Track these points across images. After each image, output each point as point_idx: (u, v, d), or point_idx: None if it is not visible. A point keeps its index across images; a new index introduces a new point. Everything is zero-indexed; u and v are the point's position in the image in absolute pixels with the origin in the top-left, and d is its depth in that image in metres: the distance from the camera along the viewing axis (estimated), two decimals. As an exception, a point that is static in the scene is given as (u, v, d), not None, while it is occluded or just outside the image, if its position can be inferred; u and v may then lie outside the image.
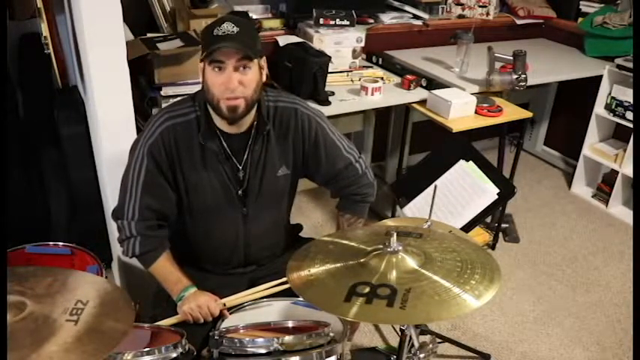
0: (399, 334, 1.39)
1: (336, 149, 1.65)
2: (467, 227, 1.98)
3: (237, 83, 1.40)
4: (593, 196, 3.44)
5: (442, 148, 2.24)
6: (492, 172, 2.04)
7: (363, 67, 2.83)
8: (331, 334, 1.31)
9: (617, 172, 3.21)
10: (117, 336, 1.02)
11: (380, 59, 2.91)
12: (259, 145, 1.55)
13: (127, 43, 1.81)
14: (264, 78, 1.50)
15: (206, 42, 1.41)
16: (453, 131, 2.42)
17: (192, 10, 2.33)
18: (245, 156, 1.55)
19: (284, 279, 1.43)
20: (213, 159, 1.53)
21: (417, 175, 2.26)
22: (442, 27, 3.29)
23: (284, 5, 2.84)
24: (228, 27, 1.37)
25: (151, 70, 2.05)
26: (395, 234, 1.24)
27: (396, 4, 3.19)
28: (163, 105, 2.04)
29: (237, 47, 1.37)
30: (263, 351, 1.23)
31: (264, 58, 1.49)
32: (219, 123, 1.51)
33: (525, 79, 2.59)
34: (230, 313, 1.53)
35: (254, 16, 2.71)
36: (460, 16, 3.39)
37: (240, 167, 1.56)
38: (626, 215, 3.26)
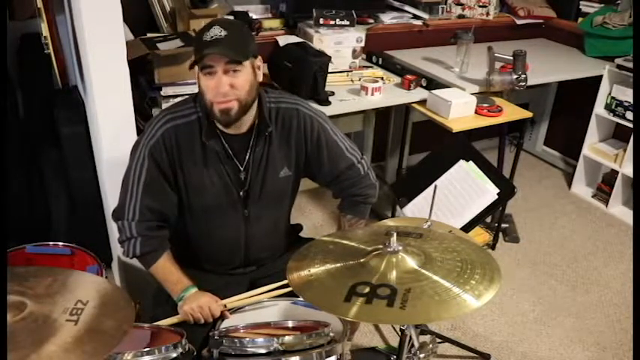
0: (399, 334, 1.39)
1: (338, 150, 1.65)
2: (467, 227, 1.98)
3: (228, 87, 1.40)
4: (593, 196, 3.44)
5: (442, 148, 2.24)
6: (492, 172, 2.04)
7: (363, 67, 2.83)
8: (331, 334, 1.31)
9: (617, 172, 3.21)
10: (117, 336, 1.02)
11: (380, 59, 2.91)
12: (261, 146, 1.55)
13: (127, 43, 1.81)
14: (259, 78, 1.49)
15: (196, 48, 1.41)
16: (453, 131, 2.42)
17: (192, 10, 2.33)
18: (246, 157, 1.55)
19: (285, 281, 1.43)
20: (214, 160, 1.53)
21: (417, 175, 2.26)
22: (442, 27, 3.29)
23: (284, 5, 2.84)
24: (216, 31, 1.37)
25: (150, 70, 2.05)
26: (395, 234, 1.24)
27: (396, 4, 3.19)
28: (163, 105, 2.04)
29: (223, 52, 1.37)
30: (263, 351, 1.23)
31: (260, 57, 1.49)
32: (219, 124, 1.51)
33: (525, 79, 2.58)
34: (230, 314, 1.53)
35: (254, 16, 2.70)
36: (460, 16, 3.39)
37: (242, 169, 1.56)
38: (626, 215, 3.26)
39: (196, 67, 1.43)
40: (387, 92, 2.55)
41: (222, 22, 1.41)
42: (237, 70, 1.40)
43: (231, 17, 2.47)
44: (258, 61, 1.49)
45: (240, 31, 1.44)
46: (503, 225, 2.99)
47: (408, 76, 2.62)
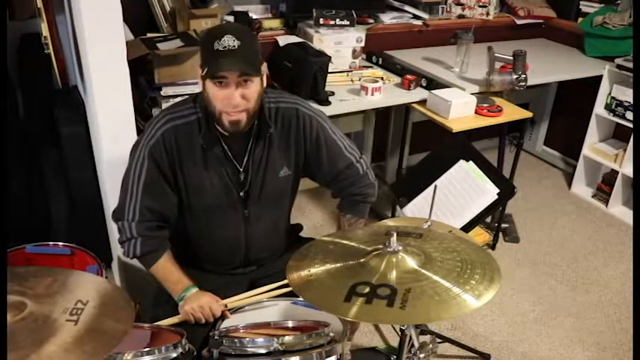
0: (399, 334, 1.39)
1: (338, 149, 1.65)
2: (467, 227, 1.97)
3: (240, 98, 1.40)
4: (593, 196, 3.44)
5: (442, 148, 2.24)
6: (492, 172, 2.04)
7: (363, 67, 2.83)
8: (331, 334, 1.31)
9: (617, 172, 3.21)
10: (117, 336, 1.02)
11: (380, 59, 2.91)
12: (260, 147, 1.55)
13: (127, 43, 1.81)
14: (264, 84, 1.49)
15: (206, 56, 1.39)
16: (453, 131, 2.42)
17: (192, 10, 2.33)
18: (245, 158, 1.55)
19: (285, 281, 1.43)
20: (214, 160, 1.53)
21: (417, 175, 2.26)
22: (442, 27, 3.29)
23: (284, 5, 2.84)
24: (229, 41, 1.35)
25: (150, 70, 2.05)
26: (395, 234, 1.24)
27: (396, 4, 3.19)
28: (163, 105, 2.04)
29: (239, 66, 1.36)
30: (263, 351, 1.23)
31: (264, 63, 1.48)
32: (222, 130, 1.50)
33: (525, 79, 2.59)
34: (230, 314, 1.53)
35: (254, 16, 2.70)
36: (460, 16, 3.39)
37: (241, 169, 1.56)
38: (626, 215, 3.26)
39: (202, 71, 1.42)
40: (387, 92, 2.55)
41: (233, 30, 1.38)
42: (249, 81, 1.40)
43: (232, 17, 2.48)
44: (264, 67, 1.47)
45: (252, 41, 1.42)
46: (503, 225, 2.99)
47: (408, 76, 2.62)
